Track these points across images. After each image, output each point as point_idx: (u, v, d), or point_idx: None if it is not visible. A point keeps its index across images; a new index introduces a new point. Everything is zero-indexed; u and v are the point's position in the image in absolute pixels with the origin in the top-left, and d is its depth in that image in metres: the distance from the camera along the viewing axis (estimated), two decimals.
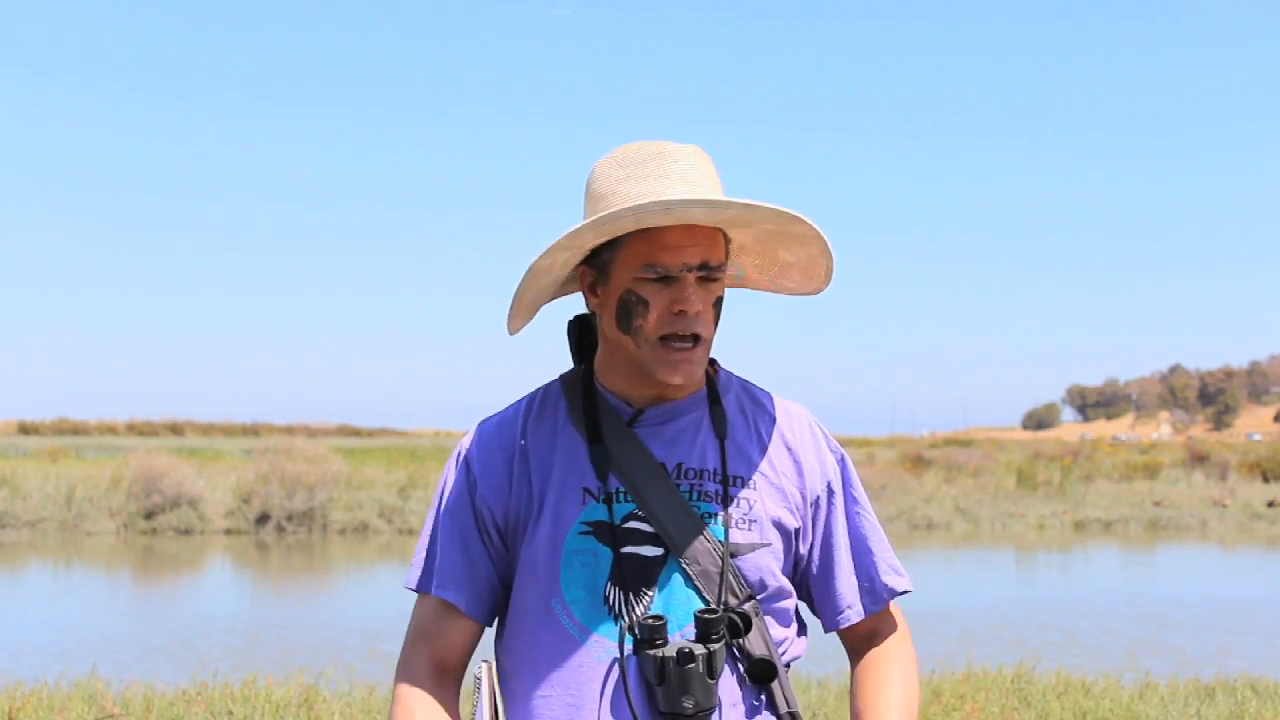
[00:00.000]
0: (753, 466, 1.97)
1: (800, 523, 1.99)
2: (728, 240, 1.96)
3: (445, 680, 1.98)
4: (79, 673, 8.08)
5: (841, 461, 2.04)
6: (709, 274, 1.91)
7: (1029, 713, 7.14)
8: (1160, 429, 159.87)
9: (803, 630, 2.05)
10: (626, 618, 1.90)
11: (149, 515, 23.80)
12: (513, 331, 1.98)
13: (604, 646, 1.91)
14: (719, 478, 1.94)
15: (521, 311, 1.97)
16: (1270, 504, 31.76)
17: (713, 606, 1.89)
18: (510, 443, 2.00)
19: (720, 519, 1.92)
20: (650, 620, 1.87)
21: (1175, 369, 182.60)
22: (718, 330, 1.96)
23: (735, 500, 1.94)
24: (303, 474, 24.15)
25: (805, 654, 2.05)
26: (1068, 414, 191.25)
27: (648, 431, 1.96)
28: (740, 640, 1.91)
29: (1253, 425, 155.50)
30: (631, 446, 1.94)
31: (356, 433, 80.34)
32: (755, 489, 1.95)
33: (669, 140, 1.95)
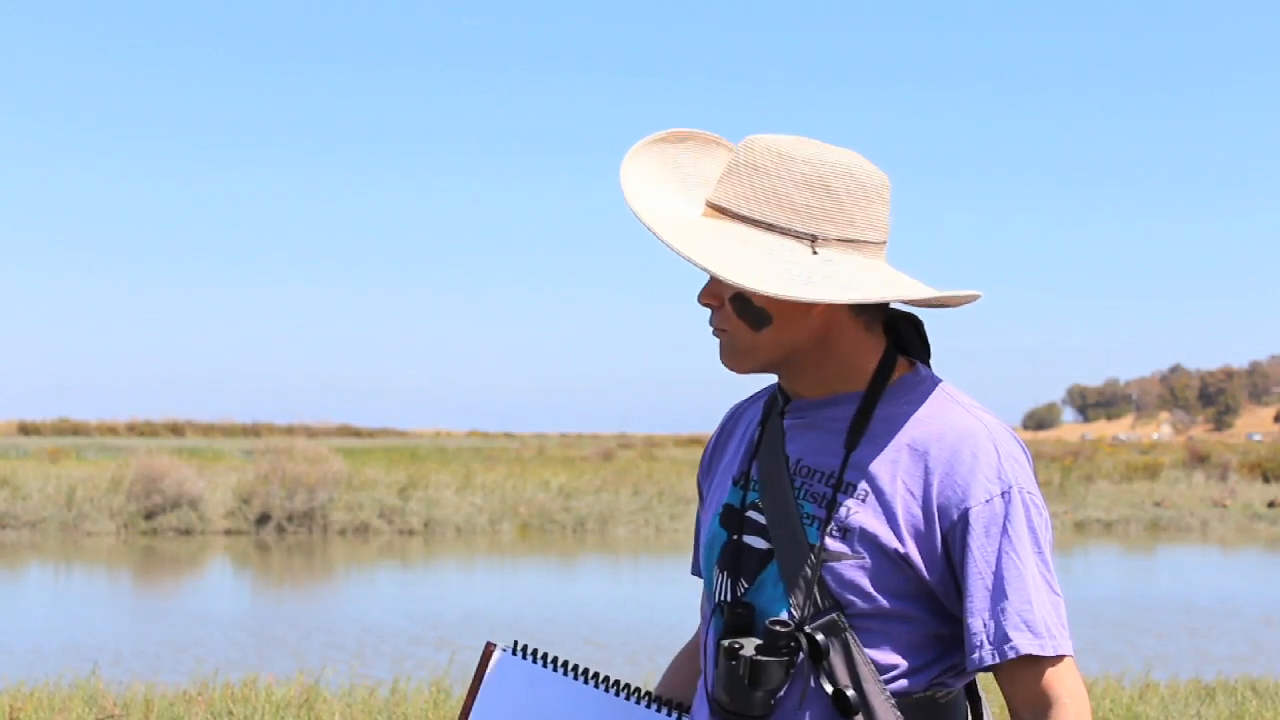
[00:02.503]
0: (871, 478, 1.87)
1: (908, 547, 1.85)
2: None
3: (695, 642, 2.16)
4: (79, 673, 8.08)
5: (1005, 495, 1.85)
6: None
7: None
8: (1160, 429, 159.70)
9: (940, 659, 1.90)
10: (718, 602, 1.95)
11: (149, 516, 23.80)
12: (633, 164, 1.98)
13: (706, 626, 2.00)
14: (831, 481, 1.89)
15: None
16: (1271, 504, 31.78)
17: (791, 618, 1.86)
18: (723, 425, 2.13)
19: (819, 523, 1.88)
20: (739, 607, 1.90)
21: (1175, 369, 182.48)
22: (771, 331, 1.89)
23: (837, 506, 1.87)
24: (303, 474, 24.14)
25: (937, 685, 1.89)
26: (1068, 414, 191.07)
27: (791, 423, 1.96)
28: (821, 664, 1.84)
29: (1253, 425, 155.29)
30: (774, 436, 1.97)
31: (356, 433, 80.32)
32: (863, 500, 1.87)
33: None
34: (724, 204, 1.88)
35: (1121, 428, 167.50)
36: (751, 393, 2.13)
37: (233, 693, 7.15)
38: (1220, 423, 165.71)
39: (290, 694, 7.08)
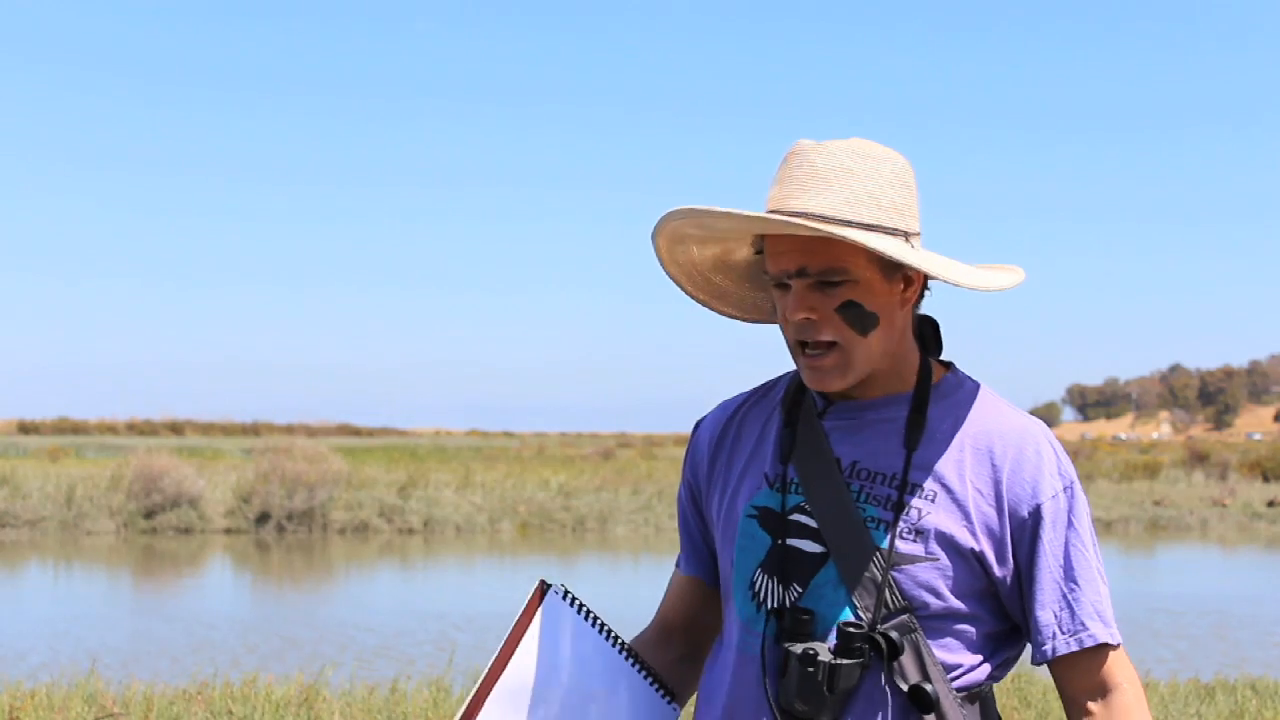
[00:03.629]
0: (938, 478, 1.86)
1: (982, 545, 1.86)
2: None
3: (664, 635, 2.12)
4: (79, 672, 8.08)
5: (1068, 490, 1.89)
6: (819, 278, 1.84)
7: (1029, 713, 7.14)
8: (1160, 428, 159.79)
9: (993, 655, 1.92)
10: (773, 607, 1.90)
11: (149, 515, 23.79)
12: (693, 295, 2.03)
13: (747, 631, 1.93)
14: (895, 483, 1.87)
15: (684, 279, 2.01)
16: (1270, 503, 31.76)
17: (859, 620, 1.84)
18: (722, 422, 2.06)
19: (885, 526, 1.85)
20: (799, 613, 1.86)
21: (1175, 369, 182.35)
22: (876, 332, 1.86)
23: (906, 509, 1.85)
24: (303, 473, 24.13)
25: (990, 679, 1.92)
26: (1068, 413, 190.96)
27: (835, 425, 1.92)
28: (895, 662, 1.83)
29: (1253, 425, 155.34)
30: (815, 438, 1.92)
31: (356, 432, 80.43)
32: (932, 501, 1.86)
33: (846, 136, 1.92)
34: (823, 211, 1.83)
35: (1121, 427, 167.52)
36: (740, 390, 2.10)
37: (233, 692, 7.14)
38: (1220, 422, 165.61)
39: (290, 693, 7.07)
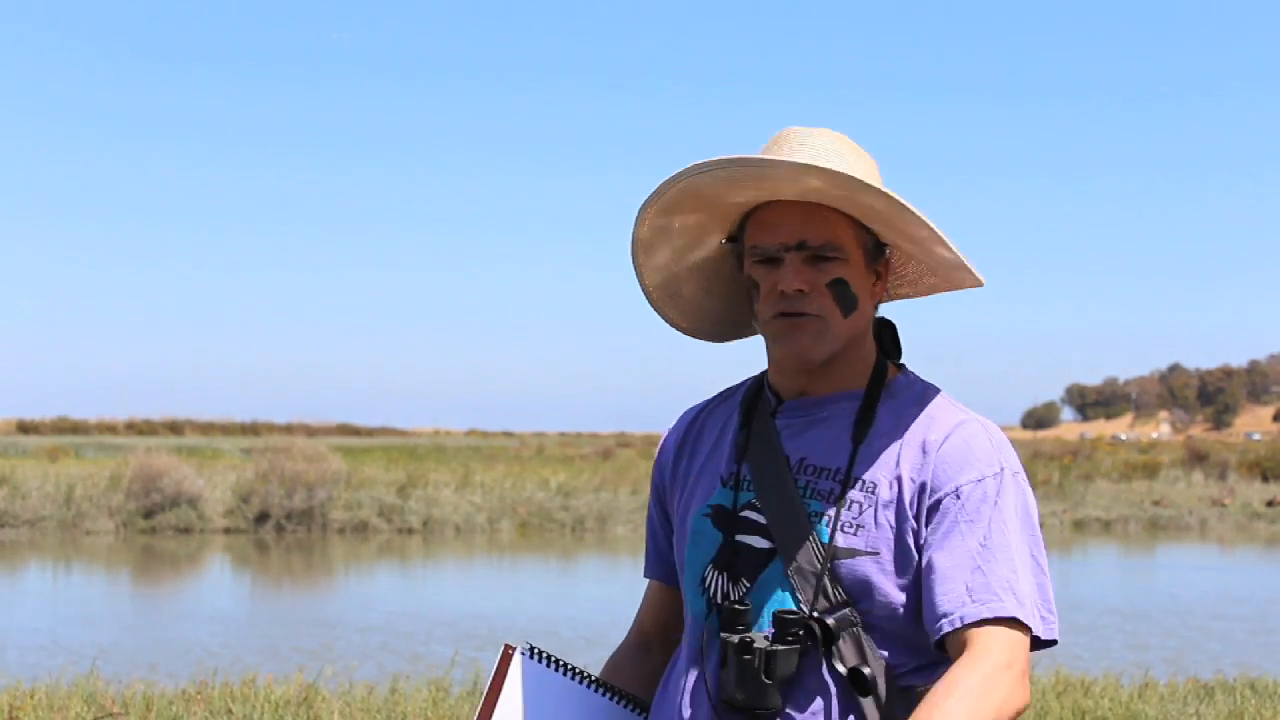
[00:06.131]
0: (878, 472, 1.88)
1: (915, 538, 1.87)
2: (868, 230, 1.91)
3: (642, 644, 2.16)
4: (79, 672, 8.07)
5: (997, 476, 1.86)
6: (815, 253, 1.87)
7: (1028, 712, 7.14)
8: (1160, 428, 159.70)
9: (938, 661, 1.87)
10: (717, 601, 1.92)
11: (148, 514, 23.78)
12: (667, 317, 2.09)
13: (696, 625, 1.97)
14: (839, 477, 1.89)
15: (653, 291, 2.06)
16: (1270, 503, 31.76)
17: (794, 609, 1.85)
18: (684, 427, 2.10)
19: (827, 520, 1.87)
20: (734, 605, 1.88)
21: (1175, 368, 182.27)
22: (854, 316, 1.89)
23: (847, 503, 1.87)
24: (302, 473, 24.12)
25: (928, 682, 1.87)
26: (1067, 413, 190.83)
27: (786, 423, 1.95)
28: (832, 648, 1.84)
29: (1252, 425, 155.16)
30: (767, 436, 1.94)
31: (356, 432, 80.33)
32: (875, 494, 1.87)
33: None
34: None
35: (1120, 427, 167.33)
36: (708, 395, 2.13)
37: (232, 691, 7.14)
38: (1219, 422, 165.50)
39: (289, 693, 7.07)
